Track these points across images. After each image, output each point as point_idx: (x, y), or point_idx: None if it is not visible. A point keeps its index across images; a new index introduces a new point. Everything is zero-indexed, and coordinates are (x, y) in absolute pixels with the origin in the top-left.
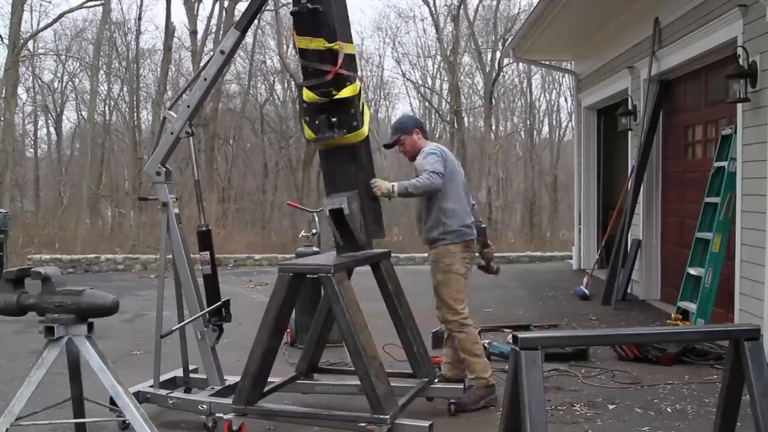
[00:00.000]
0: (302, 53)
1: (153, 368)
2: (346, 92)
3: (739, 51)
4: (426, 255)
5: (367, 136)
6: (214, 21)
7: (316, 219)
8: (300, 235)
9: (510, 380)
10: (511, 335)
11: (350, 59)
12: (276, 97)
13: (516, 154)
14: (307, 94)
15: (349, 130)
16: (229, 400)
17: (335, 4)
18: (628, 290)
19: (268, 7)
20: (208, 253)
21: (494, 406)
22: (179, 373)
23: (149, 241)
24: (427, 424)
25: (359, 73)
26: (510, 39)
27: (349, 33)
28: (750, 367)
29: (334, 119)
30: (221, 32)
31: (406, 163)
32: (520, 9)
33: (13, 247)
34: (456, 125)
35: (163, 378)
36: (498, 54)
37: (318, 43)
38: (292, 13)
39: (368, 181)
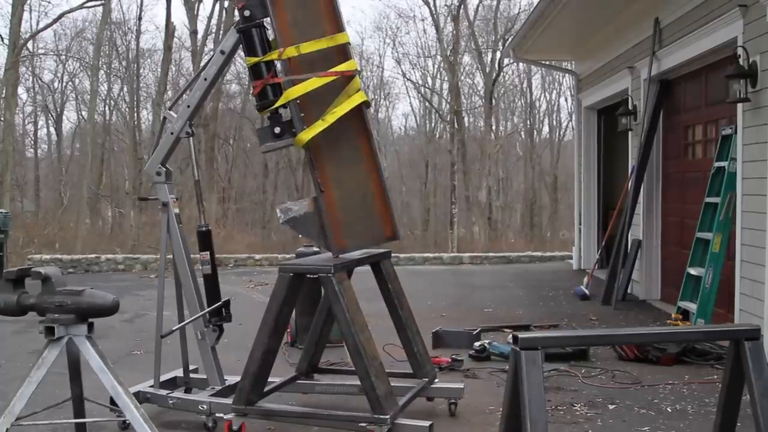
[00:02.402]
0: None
1: (153, 368)
2: (281, 101)
3: (739, 51)
4: (426, 255)
5: (368, 131)
6: (214, 21)
7: None
8: (300, 235)
9: (510, 380)
10: (511, 335)
11: (338, 50)
12: None
13: (516, 154)
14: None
15: (291, 136)
16: (229, 400)
17: (290, 5)
18: (628, 290)
19: None
20: (208, 253)
21: None
22: (179, 373)
23: (149, 241)
24: (427, 424)
25: (355, 64)
26: (510, 39)
27: (325, 27)
28: (750, 367)
29: (277, 129)
30: (221, 32)
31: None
32: (520, 9)
33: (13, 247)
34: (456, 125)
35: (163, 378)
36: (498, 54)
37: (248, 61)
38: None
39: (381, 178)
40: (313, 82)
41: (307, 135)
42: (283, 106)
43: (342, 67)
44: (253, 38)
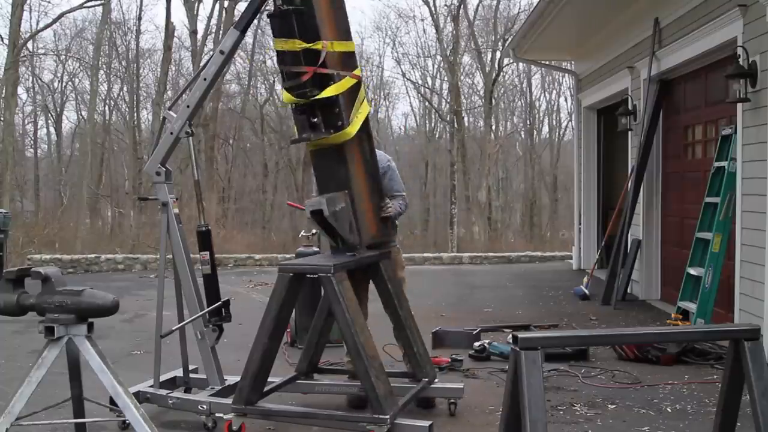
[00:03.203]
0: (279, 55)
1: (153, 368)
2: (328, 92)
3: (739, 51)
4: (426, 255)
5: (369, 133)
6: (214, 21)
7: None
8: (300, 235)
9: (510, 380)
10: (511, 335)
11: (347, 56)
12: (276, 97)
13: (516, 154)
14: (286, 96)
15: (334, 130)
16: (229, 400)
17: (318, 3)
18: (628, 290)
19: (267, 7)
20: (207, 253)
21: None
22: (179, 373)
23: (149, 241)
24: (427, 424)
25: (361, 71)
26: (510, 39)
27: (344, 30)
28: (750, 367)
29: (315, 120)
30: (221, 32)
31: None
32: (520, 9)
33: (13, 247)
34: (456, 125)
35: (163, 378)
36: (498, 54)
37: (292, 45)
38: (268, 16)
39: (368, 180)
40: (349, 81)
41: (353, 129)
42: (327, 98)
43: (358, 72)
44: (294, 22)
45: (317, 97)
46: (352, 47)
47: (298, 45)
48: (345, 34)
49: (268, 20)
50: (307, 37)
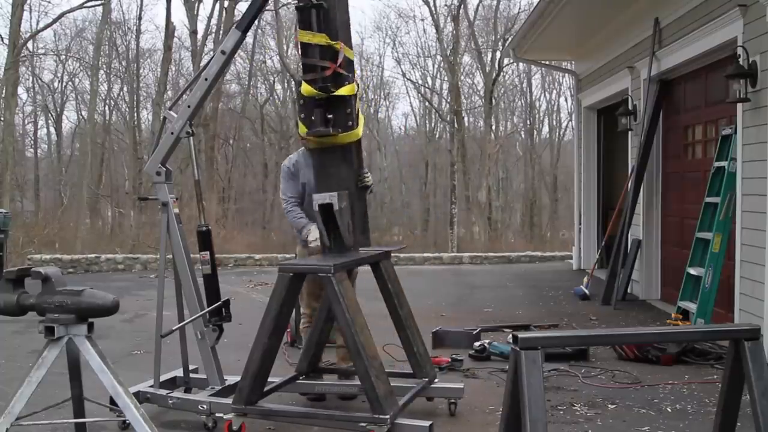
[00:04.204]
0: (303, 48)
1: (153, 368)
2: (344, 90)
3: (739, 51)
4: (426, 255)
5: (359, 149)
6: (214, 21)
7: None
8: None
9: (510, 380)
10: (511, 335)
11: (348, 63)
12: (276, 97)
13: (516, 154)
14: (306, 89)
15: (344, 129)
16: (229, 400)
17: (338, 5)
18: (628, 290)
19: (268, 7)
20: (208, 253)
21: None
22: (179, 373)
23: (149, 241)
24: (427, 424)
25: (357, 78)
26: (510, 39)
27: (349, 37)
28: (750, 367)
29: (330, 116)
30: (221, 32)
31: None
32: (520, 9)
33: (13, 247)
34: (456, 125)
35: (163, 378)
36: (498, 54)
37: (320, 38)
38: (296, 7)
39: (358, 184)
40: (353, 86)
41: (360, 131)
42: (341, 97)
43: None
44: (322, 17)
45: (337, 93)
46: (352, 56)
47: (324, 39)
48: (348, 43)
49: (295, 10)
50: (328, 34)
